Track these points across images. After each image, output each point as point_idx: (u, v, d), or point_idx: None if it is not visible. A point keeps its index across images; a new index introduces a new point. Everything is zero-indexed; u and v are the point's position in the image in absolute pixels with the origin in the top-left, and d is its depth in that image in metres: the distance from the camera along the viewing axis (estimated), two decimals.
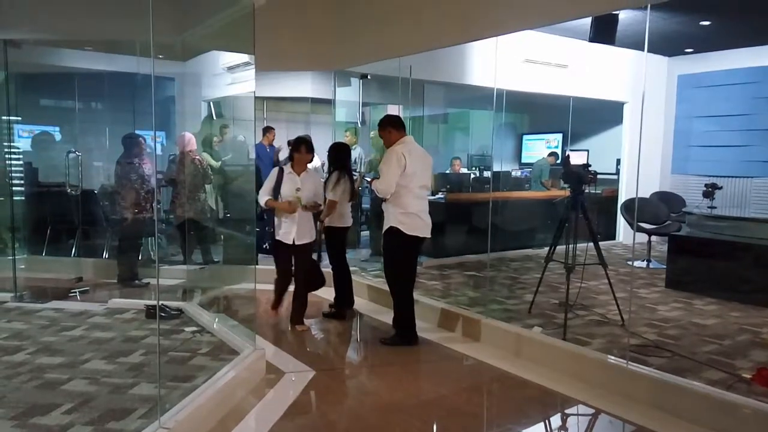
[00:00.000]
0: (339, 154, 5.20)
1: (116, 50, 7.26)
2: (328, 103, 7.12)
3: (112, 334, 4.51)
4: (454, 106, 11.24)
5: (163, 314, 4.86)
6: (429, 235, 4.53)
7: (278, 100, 9.91)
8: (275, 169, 4.86)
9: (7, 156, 6.67)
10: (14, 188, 6.45)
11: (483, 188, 8.55)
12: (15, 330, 4.60)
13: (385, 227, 4.48)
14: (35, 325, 4.73)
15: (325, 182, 5.10)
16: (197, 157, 6.27)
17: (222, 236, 7.00)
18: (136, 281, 6.02)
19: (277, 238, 4.84)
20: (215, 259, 6.66)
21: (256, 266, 4.78)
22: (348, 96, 7.54)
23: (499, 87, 5.13)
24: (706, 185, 7.32)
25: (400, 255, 4.51)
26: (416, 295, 4.71)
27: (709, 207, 6.98)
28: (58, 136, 8.17)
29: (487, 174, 9.23)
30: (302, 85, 8.55)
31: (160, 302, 4.75)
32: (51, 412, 3.12)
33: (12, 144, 6.68)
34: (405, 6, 5.32)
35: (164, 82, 7.57)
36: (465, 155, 10.38)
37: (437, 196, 7.63)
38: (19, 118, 7.02)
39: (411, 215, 4.39)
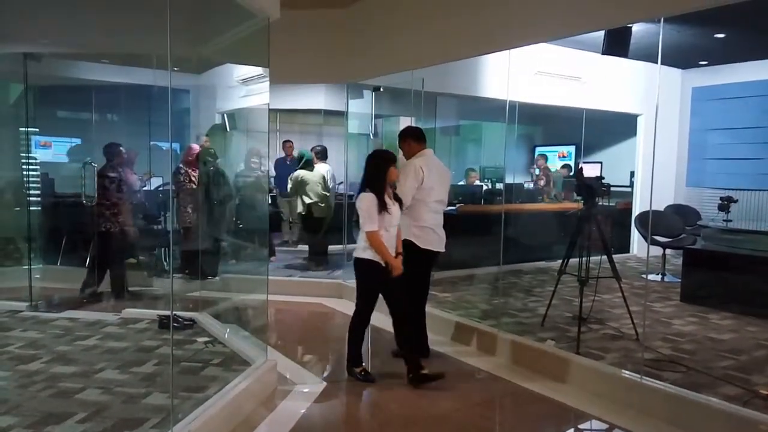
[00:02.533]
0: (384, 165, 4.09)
1: (133, 63, 7.37)
2: (341, 114, 7.16)
3: (125, 344, 4.54)
4: (466, 118, 11.25)
5: (175, 324, 4.89)
6: (443, 250, 4.50)
7: (291, 112, 9.99)
8: (371, 195, 3.90)
9: (24, 166, 6.78)
10: (31, 198, 6.54)
11: (495, 200, 8.53)
12: (30, 339, 4.65)
13: None
14: (50, 335, 4.77)
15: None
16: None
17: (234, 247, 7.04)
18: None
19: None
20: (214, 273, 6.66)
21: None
22: (361, 108, 7.58)
23: (512, 99, 5.13)
24: (721, 198, 7.25)
25: (412, 268, 4.49)
26: (428, 308, 4.69)
27: (724, 220, 6.91)
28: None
29: (499, 186, 9.20)
30: (315, 98, 8.61)
31: (173, 312, 4.78)
32: (65, 421, 3.14)
33: (29, 155, 6.79)
34: (418, 19, 5.36)
35: (179, 94, 7.65)
36: (477, 167, 10.37)
37: (449, 208, 7.61)
38: (37, 130, 7.14)
39: (425, 229, 4.37)
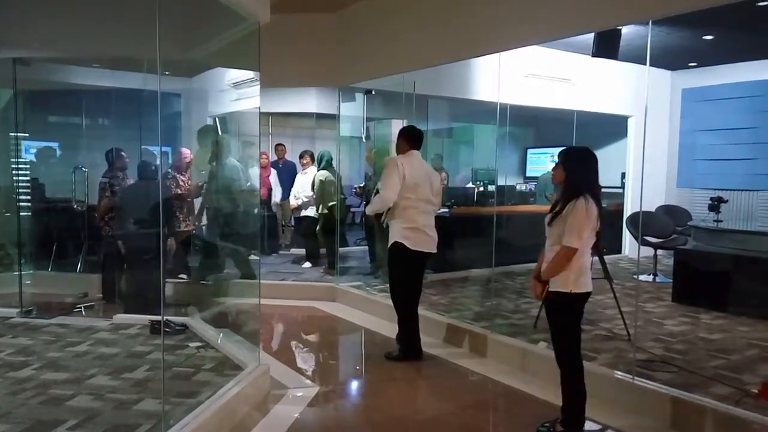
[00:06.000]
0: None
1: (123, 67, 7.34)
2: (333, 118, 7.16)
3: (116, 350, 4.52)
4: (458, 121, 11.28)
5: (167, 329, 4.87)
6: (435, 250, 4.52)
7: (284, 115, 9.99)
8: (593, 204, 3.12)
9: (14, 172, 6.73)
10: (21, 204, 6.49)
11: (488, 202, 8.55)
12: (20, 345, 4.61)
13: (390, 242, 4.48)
14: (41, 341, 4.74)
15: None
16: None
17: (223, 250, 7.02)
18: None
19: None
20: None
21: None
22: (352, 111, 7.58)
23: (503, 101, 5.16)
24: (711, 199, 7.28)
25: (404, 270, 4.50)
26: (421, 310, 4.69)
27: (715, 220, 6.94)
28: (58, 152, 8.28)
29: (491, 188, 9.23)
30: (307, 101, 8.61)
31: (165, 317, 4.76)
32: (56, 428, 3.12)
33: (19, 160, 6.74)
34: (408, 23, 5.37)
35: (170, 98, 7.63)
36: (469, 169, 10.40)
37: (441, 211, 7.63)
38: (27, 135, 7.10)
39: (416, 230, 4.38)
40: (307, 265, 7.72)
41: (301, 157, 8.07)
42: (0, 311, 5.51)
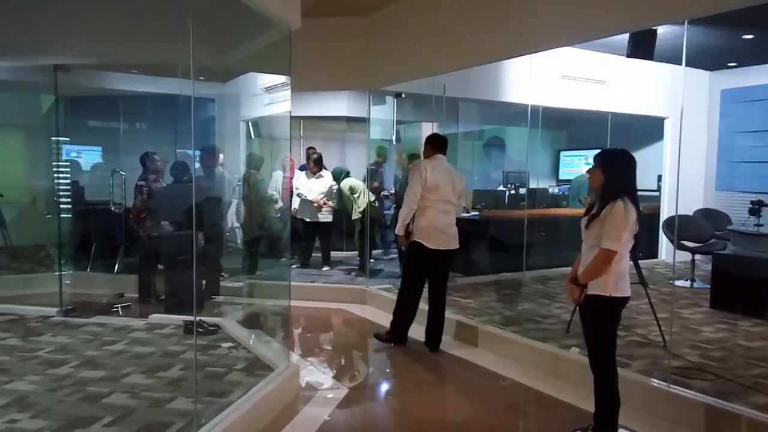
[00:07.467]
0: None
1: (160, 73, 7.51)
2: (364, 121, 7.20)
3: (151, 349, 4.61)
4: (489, 123, 11.20)
5: (200, 330, 4.96)
6: (455, 246, 4.67)
7: (315, 119, 10.07)
8: (632, 208, 3.01)
9: (55, 175, 6.95)
10: (62, 206, 6.70)
11: (519, 205, 8.47)
12: (60, 344, 4.75)
13: (410, 239, 4.68)
14: (79, 339, 4.87)
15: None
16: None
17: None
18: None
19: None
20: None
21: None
22: (383, 114, 7.60)
23: (535, 103, 5.11)
24: (752, 202, 7.08)
25: (416, 268, 4.71)
26: (450, 313, 4.72)
27: (755, 225, 6.74)
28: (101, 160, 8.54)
29: (522, 191, 9.14)
30: (338, 105, 8.67)
31: (198, 318, 4.84)
32: (92, 425, 3.20)
33: (60, 163, 6.95)
34: (438, 25, 5.36)
35: (205, 103, 7.79)
36: (500, 172, 10.32)
37: (472, 213, 7.59)
38: (68, 139, 7.31)
39: (435, 229, 4.56)
40: (326, 268, 7.76)
41: (307, 159, 8.09)
42: (41, 310, 5.68)
